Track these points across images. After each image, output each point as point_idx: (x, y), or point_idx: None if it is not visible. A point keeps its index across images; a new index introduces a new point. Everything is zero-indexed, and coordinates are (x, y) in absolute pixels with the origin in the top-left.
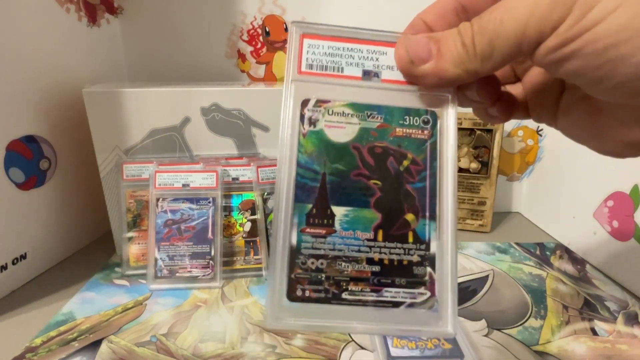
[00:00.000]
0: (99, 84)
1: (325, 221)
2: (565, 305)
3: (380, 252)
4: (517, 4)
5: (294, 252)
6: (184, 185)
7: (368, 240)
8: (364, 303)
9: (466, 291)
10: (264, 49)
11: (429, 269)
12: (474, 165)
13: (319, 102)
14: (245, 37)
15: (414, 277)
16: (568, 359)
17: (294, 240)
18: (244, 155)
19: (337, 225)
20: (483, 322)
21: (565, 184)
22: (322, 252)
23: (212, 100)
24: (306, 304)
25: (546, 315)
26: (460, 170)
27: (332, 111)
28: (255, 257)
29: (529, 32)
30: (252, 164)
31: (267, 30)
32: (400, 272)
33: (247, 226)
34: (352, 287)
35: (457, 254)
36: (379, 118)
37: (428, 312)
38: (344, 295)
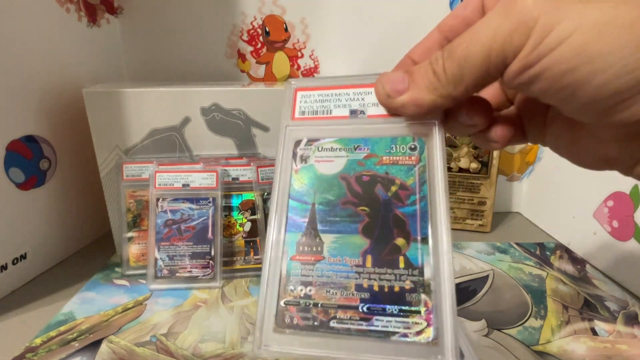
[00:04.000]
0: (99, 84)
1: (314, 248)
2: (565, 305)
3: (369, 278)
4: (482, 29)
5: (284, 279)
6: (184, 185)
7: (357, 266)
8: (353, 332)
9: (466, 291)
10: (264, 49)
11: (423, 296)
12: (474, 165)
13: (310, 141)
14: (245, 37)
15: (407, 304)
16: (568, 359)
17: (284, 268)
18: (244, 155)
19: (325, 252)
20: (483, 322)
21: (565, 184)
22: (310, 278)
23: (212, 100)
24: (293, 331)
25: (546, 315)
26: (460, 170)
27: (322, 147)
28: (255, 257)
29: (493, 56)
30: (252, 164)
31: (267, 30)
32: (391, 299)
33: (247, 226)
34: (340, 314)
35: (454, 281)
36: (366, 149)
37: (424, 344)
38: (332, 324)
